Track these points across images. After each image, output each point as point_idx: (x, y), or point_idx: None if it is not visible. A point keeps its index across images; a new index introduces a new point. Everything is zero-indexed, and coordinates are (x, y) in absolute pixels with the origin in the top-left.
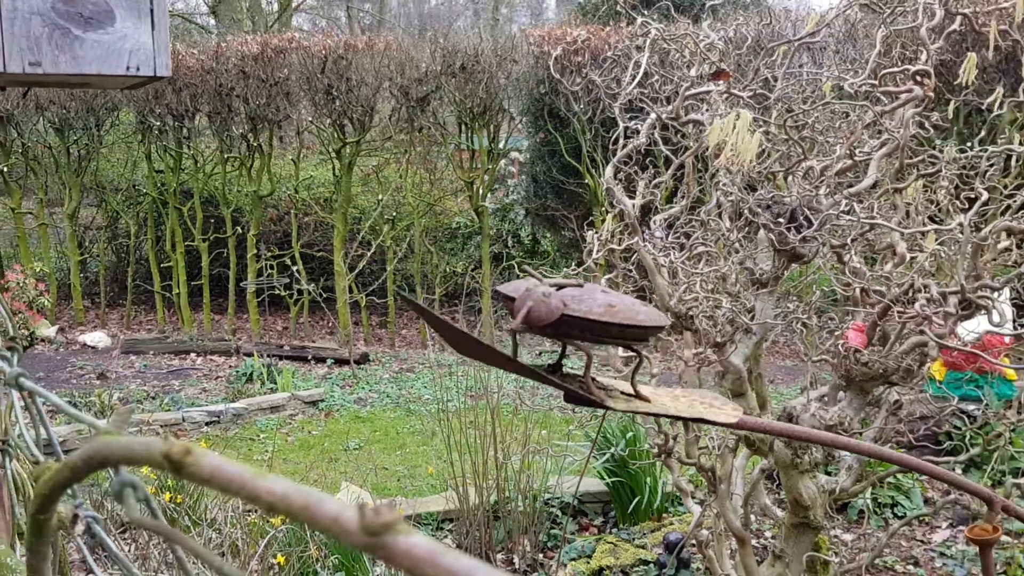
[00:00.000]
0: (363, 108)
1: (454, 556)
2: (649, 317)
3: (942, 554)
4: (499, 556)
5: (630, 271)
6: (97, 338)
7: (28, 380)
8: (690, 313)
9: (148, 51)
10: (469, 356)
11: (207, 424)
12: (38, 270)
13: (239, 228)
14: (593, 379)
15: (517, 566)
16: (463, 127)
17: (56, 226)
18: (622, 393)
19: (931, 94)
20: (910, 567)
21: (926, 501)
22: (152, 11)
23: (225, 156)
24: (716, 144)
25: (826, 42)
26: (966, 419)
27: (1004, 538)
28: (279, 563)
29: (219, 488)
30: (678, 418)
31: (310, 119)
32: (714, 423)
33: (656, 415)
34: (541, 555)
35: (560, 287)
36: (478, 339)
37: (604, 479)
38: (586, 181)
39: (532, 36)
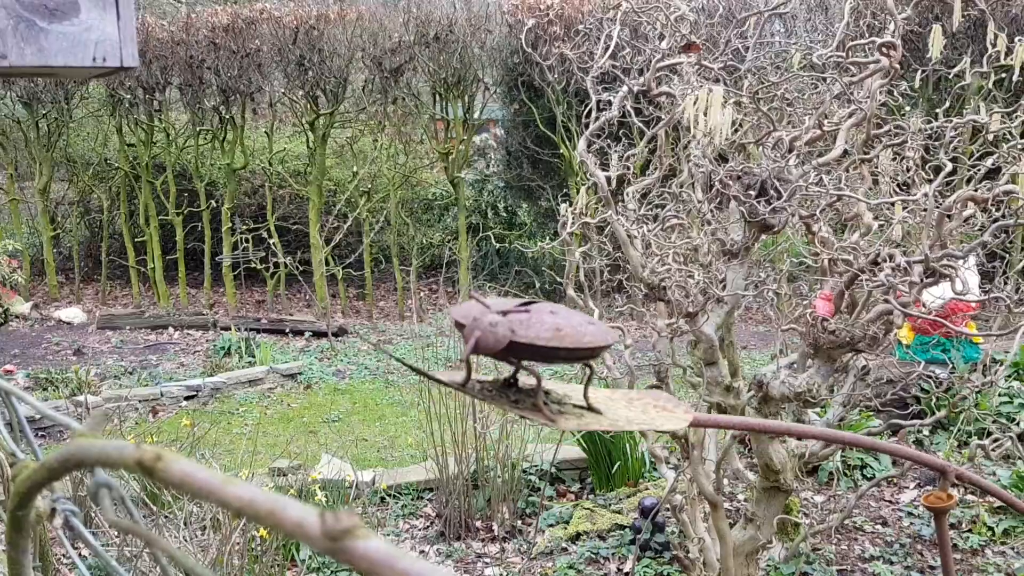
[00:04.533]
0: (336, 79)
1: (410, 560)
2: (596, 337)
3: (910, 514)
4: (478, 524)
5: (604, 243)
6: (72, 314)
7: (3, 380)
8: (663, 284)
9: (114, 42)
10: (430, 379)
11: (186, 399)
12: (11, 248)
13: (213, 202)
14: (547, 393)
15: (496, 533)
16: (437, 98)
17: (27, 201)
18: (575, 406)
19: (897, 66)
20: (879, 527)
21: (894, 462)
22: (117, 2)
23: (197, 129)
24: (690, 118)
25: (796, 11)
26: (933, 383)
27: (969, 497)
28: (261, 536)
29: (189, 492)
30: (630, 429)
31: (283, 91)
32: (666, 429)
33: (607, 430)
34: (520, 522)
35: (507, 312)
36: (430, 373)
37: (582, 446)
38: (561, 151)
39: (506, 5)
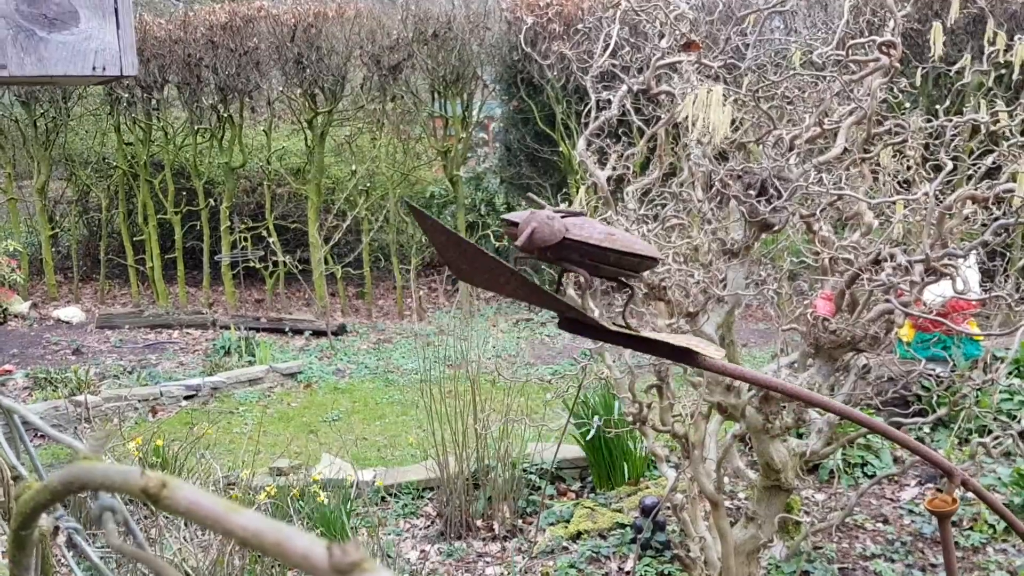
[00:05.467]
0: (334, 77)
1: None
2: (645, 248)
3: (911, 511)
4: (479, 523)
5: None
6: (71, 313)
7: (6, 398)
8: (663, 284)
9: (114, 51)
10: (469, 278)
11: (185, 398)
12: (10, 248)
13: (212, 200)
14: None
15: (497, 532)
16: (436, 95)
17: (25, 200)
18: (616, 324)
19: (897, 64)
20: (880, 525)
21: (895, 460)
22: (116, 10)
23: (195, 127)
24: (690, 117)
25: (796, 7)
26: (934, 381)
27: (970, 495)
28: None
29: (195, 521)
30: (670, 351)
31: (281, 89)
32: (700, 351)
33: (649, 340)
34: (520, 521)
35: (564, 215)
36: (482, 250)
37: (582, 445)
38: (560, 149)
39: (505, 2)
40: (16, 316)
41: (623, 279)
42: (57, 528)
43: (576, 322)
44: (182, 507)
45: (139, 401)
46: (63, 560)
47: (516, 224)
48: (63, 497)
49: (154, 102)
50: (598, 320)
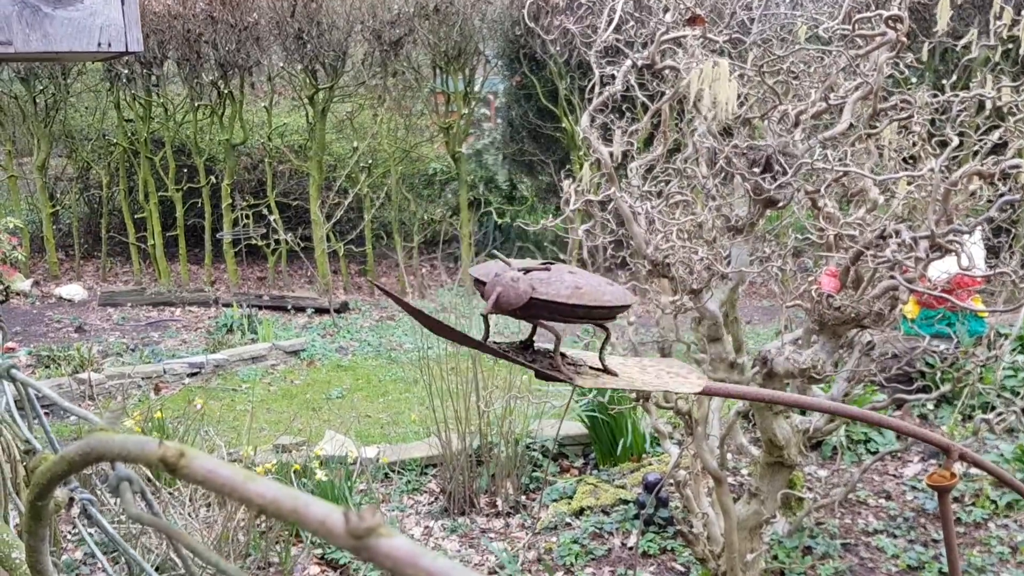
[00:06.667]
0: (335, 53)
1: (432, 557)
2: (615, 297)
3: (913, 487)
4: (483, 499)
5: (608, 220)
6: (73, 291)
7: (19, 372)
8: (667, 261)
9: (119, 27)
10: (442, 334)
11: (189, 376)
12: (11, 225)
13: (213, 177)
14: (563, 355)
15: (500, 508)
16: (438, 71)
17: (26, 177)
18: (591, 368)
19: (904, 39)
20: (882, 500)
21: (898, 437)
22: None
23: (196, 104)
24: (694, 93)
25: None
26: (938, 357)
27: (973, 471)
28: None
29: (212, 489)
30: (645, 390)
31: (281, 65)
32: (680, 392)
33: (624, 388)
34: (524, 497)
35: (528, 270)
36: (451, 326)
37: (584, 422)
38: (563, 125)
39: None
40: (18, 294)
41: (599, 324)
42: (72, 499)
43: (550, 375)
44: (200, 476)
45: (142, 379)
46: (68, 536)
47: (483, 282)
48: (80, 468)
49: (154, 78)
50: (570, 375)
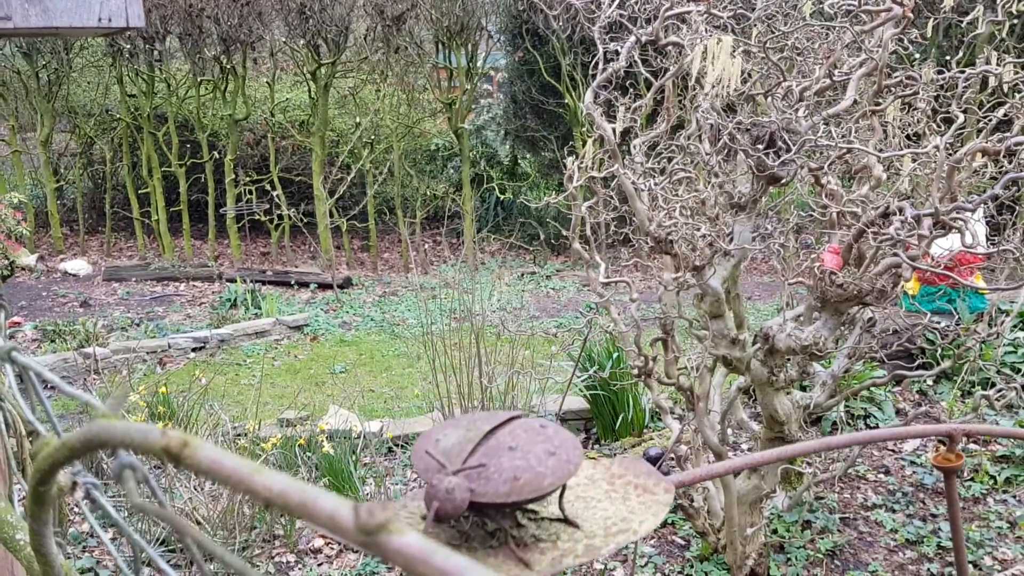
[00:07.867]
0: (337, 28)
1: (445, 555)
2: (556, 477)
3: (912, 463)
4: None
5: (611, 196)
6: (78, 266)
7: (21, 354)
8: (669, 237)
9: (119, 1)
10: None
11: (193, 350)
12: (16, 201)
13: (216, 153)
14: (522, 511)
15: None
16: (440, 46)
17: (29, 152)
18: (550, 521)
19: (910, 15)
20: (881, 475)
21: (897, 412)
22: None
23: (198, 79)
24: (698, 68)
25: None
26: (938, 333)
27: (972, 446)
28: None
29: (217, 480)
30: (606, 549)
31: (284, 39)
32: (639, 532)
33: (584, 562)
34: None
35: (459, 471)
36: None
37: (586, 397)
38: (566, 101)
39: None
40: (23, 269)
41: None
42: (75, 483)
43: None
44: (203, 466)
45: (147, 353)
46: (76, 508)
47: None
48: (82, 455)
49: (156, 53)
50: (527, 563)
